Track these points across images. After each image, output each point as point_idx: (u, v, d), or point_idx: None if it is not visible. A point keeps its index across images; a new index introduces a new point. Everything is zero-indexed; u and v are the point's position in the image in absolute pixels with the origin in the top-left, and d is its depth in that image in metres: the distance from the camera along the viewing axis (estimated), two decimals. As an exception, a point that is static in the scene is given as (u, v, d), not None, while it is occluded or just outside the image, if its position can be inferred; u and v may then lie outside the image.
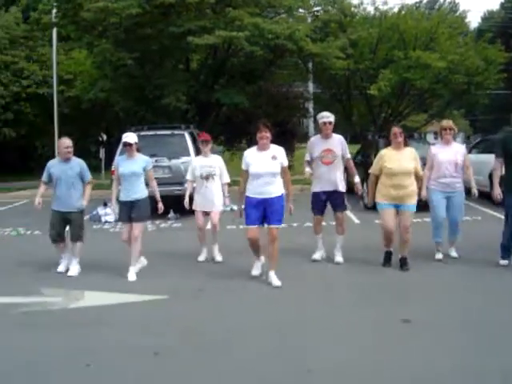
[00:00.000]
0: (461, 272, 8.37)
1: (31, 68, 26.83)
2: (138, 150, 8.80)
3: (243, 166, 7.86)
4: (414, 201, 8.48)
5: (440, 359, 5.20)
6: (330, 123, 9.01)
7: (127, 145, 8.61)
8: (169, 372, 5.16)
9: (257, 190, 7.75)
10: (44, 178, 8.98)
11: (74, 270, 8.79)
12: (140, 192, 8.61)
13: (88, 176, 8.94)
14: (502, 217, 12.82)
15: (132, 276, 8.35)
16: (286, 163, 7.84)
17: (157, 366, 5.29)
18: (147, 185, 8.84)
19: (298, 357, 5.37)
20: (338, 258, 9.21)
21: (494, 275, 8.08)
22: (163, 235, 12.30)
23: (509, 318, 6.28)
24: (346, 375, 4.95)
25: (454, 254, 9.36)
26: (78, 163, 8.91)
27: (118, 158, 8.99)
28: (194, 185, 9.63)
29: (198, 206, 9.61)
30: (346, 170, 9.44)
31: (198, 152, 14.26)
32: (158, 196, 8.84)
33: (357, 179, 9.20)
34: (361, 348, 5.55)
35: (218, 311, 6.85)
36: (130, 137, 8.61)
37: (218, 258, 9.57)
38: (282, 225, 7.90)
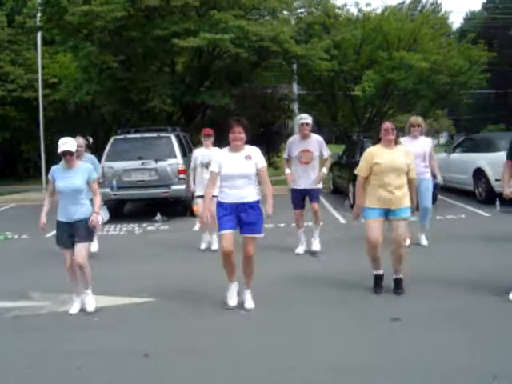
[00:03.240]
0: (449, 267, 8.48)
1: (16, 72, 26.69)
2: (78, 157, 7.65)
3: (214, 167, 6.87)
4: (407, 204, 7.26)
5: (432, 356, 5.33)
6: (308, 124, 9.54)
7: (67, 154, 6.90)
8: (159, 374, 5.22)
9: (229, 195, 6.78)
10: None
11: None
12: (84, 211, 7.02)
13: None
14: (486, 214, 13.16)
15: (92, 306, 7.10)
16: (262, 164, 6.83)
17: (147, 368, 5.34)
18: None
19: (285, 356, 5.47)
20: (315, 246, 9.79)
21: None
22: (150, 238, 12.34)
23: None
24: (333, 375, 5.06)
25: (424, 242, 9.98)
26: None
27: (53, 168, 7.14)
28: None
29: (199, 192, 10.23)
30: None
31: (184, 153, 14.55)
32: (97, 208, 7.12)
33: (324, 170, 9.77)
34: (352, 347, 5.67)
35: (206, 313, 6.90)
36: (69, 143, 6.92)
37: (215, 246, 10.16)
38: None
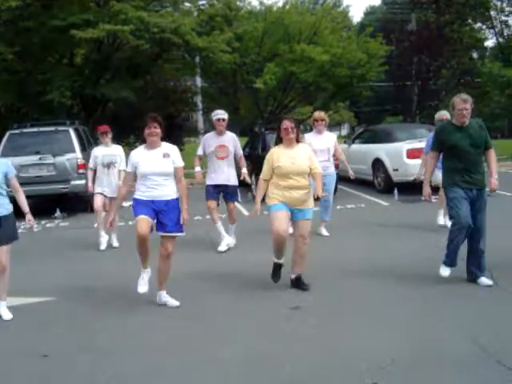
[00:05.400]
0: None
1: None
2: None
3: (128, 168, 6.82)
4: (311, 205, 7.22)
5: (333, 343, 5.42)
6: (224, 120, 9.55)
7: None
8: (59, 375, 5.09)
9: (146, 193, 6.60)
10: None
11: None
12: (6, 207, 6.83)
13: None
14: (384, 203, 13.53)
15: (7, 315, 6.66)
16: (179, 163, 6.73)
17: (46, 369, 5.20)
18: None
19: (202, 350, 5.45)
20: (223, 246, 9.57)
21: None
22: (50, 235, 12.01)
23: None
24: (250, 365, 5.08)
25: (324, 232, 10.32)
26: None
27: None
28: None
29: (98, 189, 10.12)
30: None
31: (83, 148, 14.19)
32: (25, 207, 7.13)
33: (244, 170, 9.76)
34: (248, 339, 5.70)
35: (108, 310, 6.78)
36: None
37: (115, 243, 10.18)
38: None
